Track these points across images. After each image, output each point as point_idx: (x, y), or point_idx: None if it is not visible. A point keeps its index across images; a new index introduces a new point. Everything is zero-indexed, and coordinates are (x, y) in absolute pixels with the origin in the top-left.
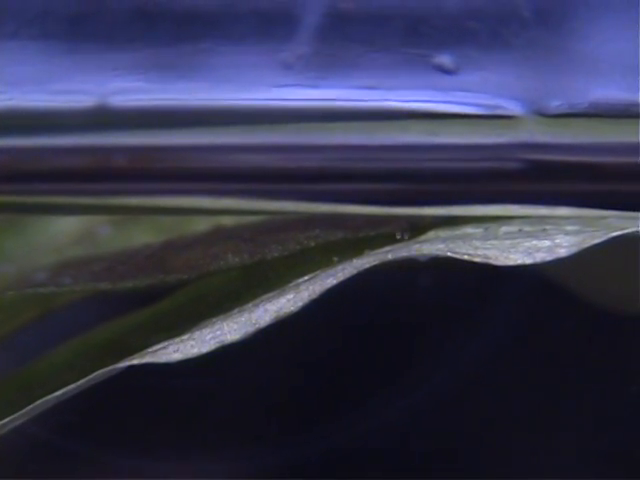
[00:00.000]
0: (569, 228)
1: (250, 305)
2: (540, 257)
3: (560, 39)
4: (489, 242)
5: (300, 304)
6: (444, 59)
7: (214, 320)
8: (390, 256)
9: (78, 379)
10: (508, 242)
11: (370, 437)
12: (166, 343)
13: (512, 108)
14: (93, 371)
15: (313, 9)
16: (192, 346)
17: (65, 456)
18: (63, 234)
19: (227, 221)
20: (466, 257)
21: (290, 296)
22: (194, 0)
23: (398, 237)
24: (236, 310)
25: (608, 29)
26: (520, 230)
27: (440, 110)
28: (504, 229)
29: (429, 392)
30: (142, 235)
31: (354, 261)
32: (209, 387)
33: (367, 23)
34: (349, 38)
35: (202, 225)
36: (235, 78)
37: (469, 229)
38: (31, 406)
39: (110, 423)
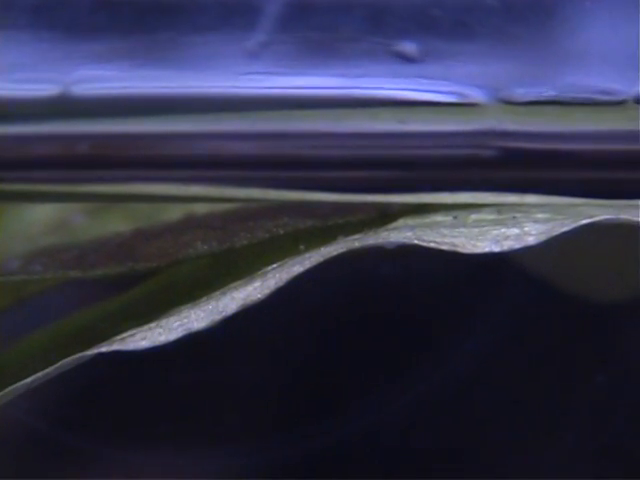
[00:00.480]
0: (539, 216)
1: (218, 293)
2: (508, 245)
3: (526, 27)
4: (457, 230)
5: (267, 292)
6: (409, 47)
7: (182, 308)
8: (357, 244)
9: (48, 367)
10: (476, 230)
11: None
12: (134, 331)
13: (479, 96)
14: (63, 359)
15: None
16: (159, 334)
17: (62, 452)
18: (38, 222)
19: (198, 210)
20: (433, 245)
21: (257, 284)
22: None
23: (368, 232)
24: (204, 298)
25: (574, 17)
26: (490, 218)
27: (408, 98)
28: (474, 217)
29: (407, 385)
30: (117, 223)
31: (321, 249)
32: (198, 384)
33: (331, 11)
34: (313, 26)
35: (174, 213)
36: (201, 66)
37: (438, 217)
38: (2, 393)
39: (105, 419)
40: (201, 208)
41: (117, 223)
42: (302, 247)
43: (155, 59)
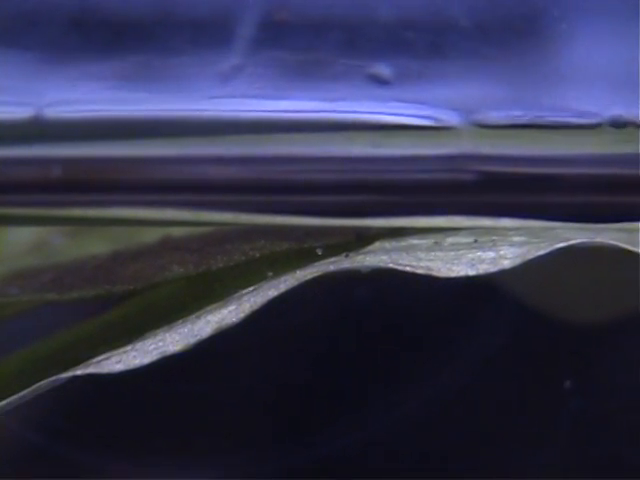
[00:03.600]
0: (515, 239)
1: (193, 316)
2: (484, 269)
3: (500, 50)
4: (433, 253)
5: (242, 315)
6: (384, 70)
7: (157, 331)
8: (332, 267)
9: (24, 389)
10: (452, 254)
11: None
12: (109, 354)
13: (454, 119)
14: (39, 381)
15: (249, 21)
16: (134, 357)
17: (60, 462)
18: (16, 244)
19: (175, 232)
20: (408, 269)
21: (232, 307)
22: (130, 12)
23: (345, 255)
24: (180, 321)
25: (548, 41)
26: (466, 241)
27: (383, 122)
28: (450, 240)
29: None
30: (94, 246)
31: (297, 272)
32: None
33: (303, 34)
34: (285, 50)
35: (152, 236)
36: (175, 89)
37: (414, 240)
38: None
39: (103, 429)
40: (178, 231)
41: (95, 245)
42: (280, 270)
43: (129, 82)
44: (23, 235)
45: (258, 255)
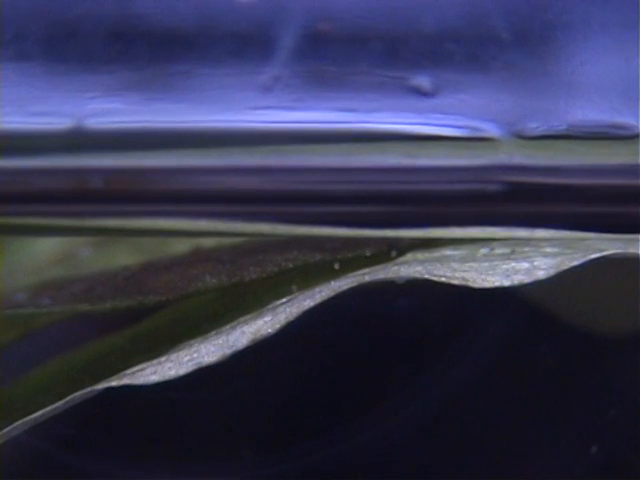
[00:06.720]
0: (548, 250)
1: (227, 327)
2: (518, 279)
3: (538, 61)
4: (467, 264)
5: (277, 326)
6: (422, 81)
7: (191, 342)
8: (367, 278)
9: (57, 401)
10: (486, 264)
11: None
12: (144, 365)
13: (490, 130)
14: (72, 393)
15: (291, 31)
16: (169, 368)
17: (62, 469)
18: (44, 255)
19: (206, 243)
20: (444, 279)
21: (267, 318)
22: (171, 22)
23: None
24: (213, 332)
25: (586, 52)
26: (500, 252)
27: (418, 132)
28: (483, 251)
29: (409, 414)
30: (123, 256)
31: (332, 283)
32: (196, 402)
33: (345, 45)
34: (327, 60)
35: (181, 247)
36: (212, 100)
37: (447, 251)
38: (9, 428)
39: (106, 436)
40: (209, 241)
41: (124, 256)
42: (313, 281)
43: (168, 92)
44: (49, 246)
45: (291, 266)
